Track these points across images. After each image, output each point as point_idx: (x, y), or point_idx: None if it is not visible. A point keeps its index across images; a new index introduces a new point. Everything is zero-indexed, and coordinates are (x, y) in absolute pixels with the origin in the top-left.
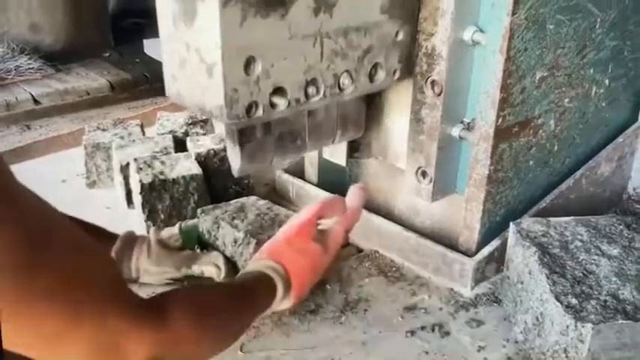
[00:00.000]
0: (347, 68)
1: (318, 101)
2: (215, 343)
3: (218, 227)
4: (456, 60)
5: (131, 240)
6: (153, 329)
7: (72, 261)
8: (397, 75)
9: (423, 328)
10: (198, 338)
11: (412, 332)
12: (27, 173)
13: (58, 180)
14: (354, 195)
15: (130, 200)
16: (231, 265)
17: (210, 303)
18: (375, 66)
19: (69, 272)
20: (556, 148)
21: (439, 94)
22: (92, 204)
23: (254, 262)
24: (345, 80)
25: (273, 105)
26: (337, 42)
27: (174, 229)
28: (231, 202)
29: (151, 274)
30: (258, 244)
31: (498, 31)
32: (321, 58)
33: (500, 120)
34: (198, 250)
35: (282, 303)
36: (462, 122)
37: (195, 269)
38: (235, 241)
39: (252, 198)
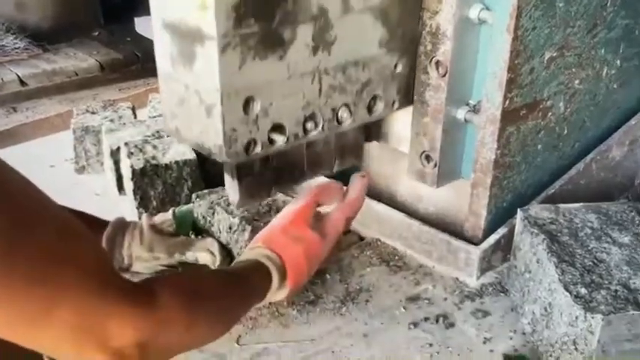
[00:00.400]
0: (345, 102)
1: (317, 135)
2: (206, 330)
3: (213, 213)
4: (461, 39)
5: (122, 226)
6: (140, 312)
7: (54, 244)
8: (396, 105)
9: (426, 319)
10: (188, 323)
11: (415, 324)
12: (13, 158)
13: (46, 165)
14: (356, 182)
15: (121, 186)
16: (226, 252)
17: (202, 288)
18: (374, 98)
19: (50, 255)
20: (565, 131)
21: (444, 75)
22: (81, 190)
23: (248, 250)
24: (343, 114)
25: (271, 141)
26: (336, 77)
27: (168, 215)
28: None
29: (143, 261)
30: (254, 231)
31: (506, 9)
32: (320, 93)
33: (507, 102)
34: (192, 236)
35: (278, 293)
36: (467, 104)
37: (189, 256)
38: (230, 228)
39: None
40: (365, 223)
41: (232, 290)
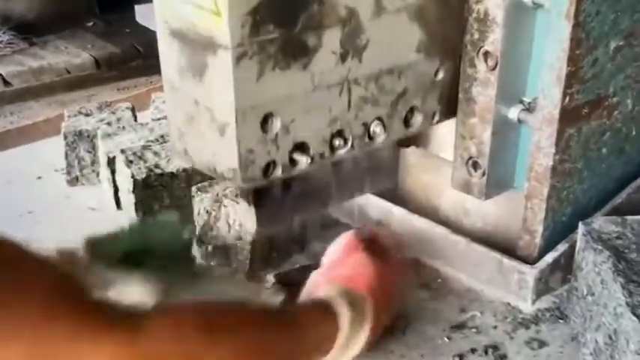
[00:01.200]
0: (378, 115)
1: (346, 153)
2: None
3: (220, 206)
4: (513, 26)
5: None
6: (116, 342)
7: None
8: (437, 118)
9: (473, 350)
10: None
11: (461, 356)
12: None
13: (33, 176)
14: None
15: (119, 200)
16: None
17: (214, 323)
18: (412, 110)
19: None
20: (634, 132)
21: (493, 68)
22: (74, 205)
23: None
24: (376, 128)
25: (293, 162)
26: (367, 88)
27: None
28: None
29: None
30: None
31: None
32: (349, 107)
33: (567, 99)
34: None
35: (353, 343)
36: (521, 102)
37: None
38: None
39: None
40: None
41: (263, 329)
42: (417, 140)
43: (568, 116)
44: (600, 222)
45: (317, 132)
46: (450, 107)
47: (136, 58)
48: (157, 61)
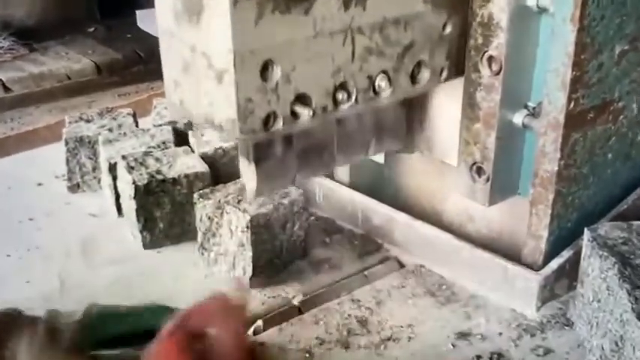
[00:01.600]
0: (383, 68)
1: (349, 108)
2: None
3: (222, 213)
4: (518, 31)
5: (12, 322)
6: None
7: None
8: (445, 75)
9: (479, 357)
10: None
11: None
12: None
13: (33, 183)
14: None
15: (120, 207)
16: None
17: None
18: (419, 64)
19: None
20: (639, 137)
21: (498, 73)
22: (74, 212)
23: None
24: (381, 82)
25: (295, 115)
26: (372, 38)
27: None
28: (231, 183)
29: None
30: None
31: None
32: (353, 57)
33: (572, 104)
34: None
35: None
36: (525, 107)
37: None
38: (247, 227)
39: None
40: (406, 247)
41: None
42: (421, 145)
43: (573, 121)
44: (606, 228)
45: (319, 83)
46: (458, 65)
47: (137, 64)
48: (158, 66)
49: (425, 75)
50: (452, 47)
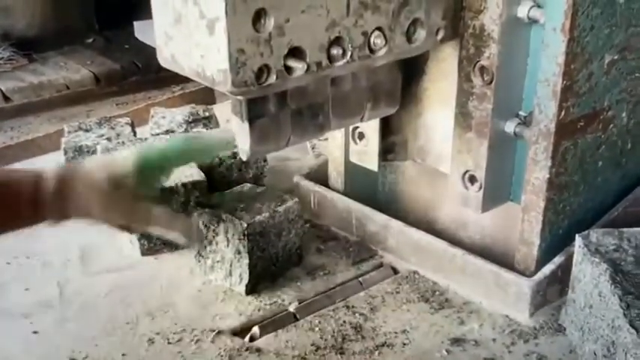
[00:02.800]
0: (379, 25)
1: (344, 66)
2: None
3: (219, 221)
4: (509, 42)
5: (72, 175)
6: None
7: None
8: (441, 35)
9: None
10: None
11: None
12: None
13: None
14: None
15: None
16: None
17: None
18: (414, 23)
19: None
20: (629, 145)
21: (490, 83)
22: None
23: None
24: (376, 40)
25: (288, 70)
26: None
27: (129, 159)
28: (227, 191)
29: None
30: None
31: (560, 7)
32: (348, 11)
33: (562, 113)
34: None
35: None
36: (517, 116)
37: (154, 231)
38: (244, 235)
39: (248, 185)
40: (400, 254)
41: None
42: (415, 154)
43: (564, 130)
44: (597, 234)
45: (313, 36)
46: (454, 26)
47: (134, 74)
48: (155, 76)
49: (421, 34)
50: (448, 7)
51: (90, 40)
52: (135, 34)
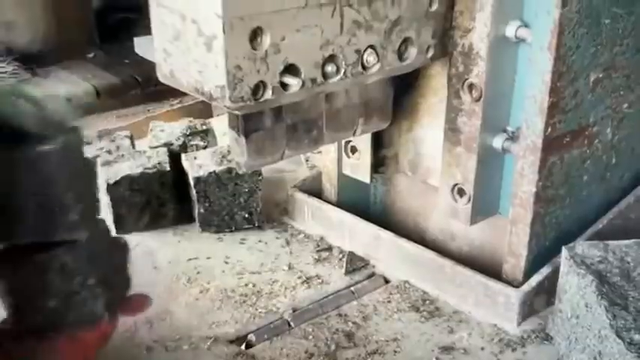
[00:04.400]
0: (372, 43)
1: (338, 82)
2: None
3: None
4: (497, 60)
5: None
6: None
7: None
8: (430, 53)
9: None
10: None
11: None
12: None
13: None
14: None
15: (119, 225)
16: None
17: None
18: (405, 41)
19: None
20: (614, 160)
21: (478, 100)
22: None
23: None
24: (369, 57)
25: (284, 86)
26: (360, 12)
27: None
28: None
29: None
30: None
31: (546, 26)
32: (341, 30)
33: (549, 129)
34: None
35: None
36: (504, 131)
37: None
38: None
39: None
40: (391, 263)
41: None
42: (405, 167)
43: (550, 145)
44: (583, 247)
45: (308, 54)
46: (443, 44)
47: (134, 88)
48: (154, 89)
49: (412, 52)
50: (437, 26)
51: (91, 55)
52: (135, 49)
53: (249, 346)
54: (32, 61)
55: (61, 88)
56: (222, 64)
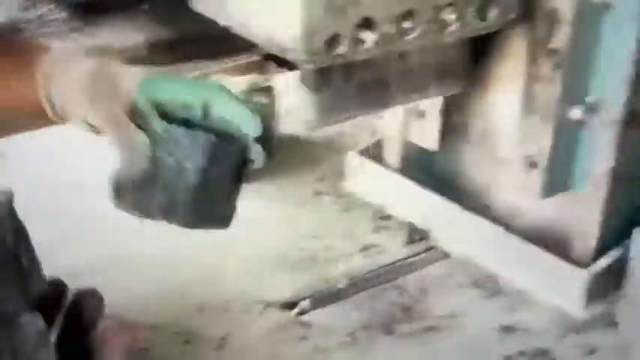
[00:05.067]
0: (452, 1)
1: (414, 40)
2: None
3: None
4: (581, 25)
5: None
6: None
7: None
8: (513, 14)
9: (522, 353)
10: None
11: (509, 358)
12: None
13: None
14: None
15: None
16: None
17: None
18: (488, 0)
19: None
20: None
21: (558, 67)
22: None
23: None
24: (449, 15)
25: (359, 41)
26: None
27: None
28: None
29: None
30: None
31: None
32: None
33: (630, 102)
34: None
35: None
36: (583, 102)
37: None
38: None
39: None
40: (454, 237)
41: None
42: (475, 136)
43: (631, 119)
44: None
45: (386, 8)
46: (527, 6)
47: (187, 43)
48: (207, 47)
49: (494, 13)
50: None
51: (145, 7)
52: (189, 4)
53: (302, 312)
54: (85, 10)
55: (113, 39)
56: (298, 12)
